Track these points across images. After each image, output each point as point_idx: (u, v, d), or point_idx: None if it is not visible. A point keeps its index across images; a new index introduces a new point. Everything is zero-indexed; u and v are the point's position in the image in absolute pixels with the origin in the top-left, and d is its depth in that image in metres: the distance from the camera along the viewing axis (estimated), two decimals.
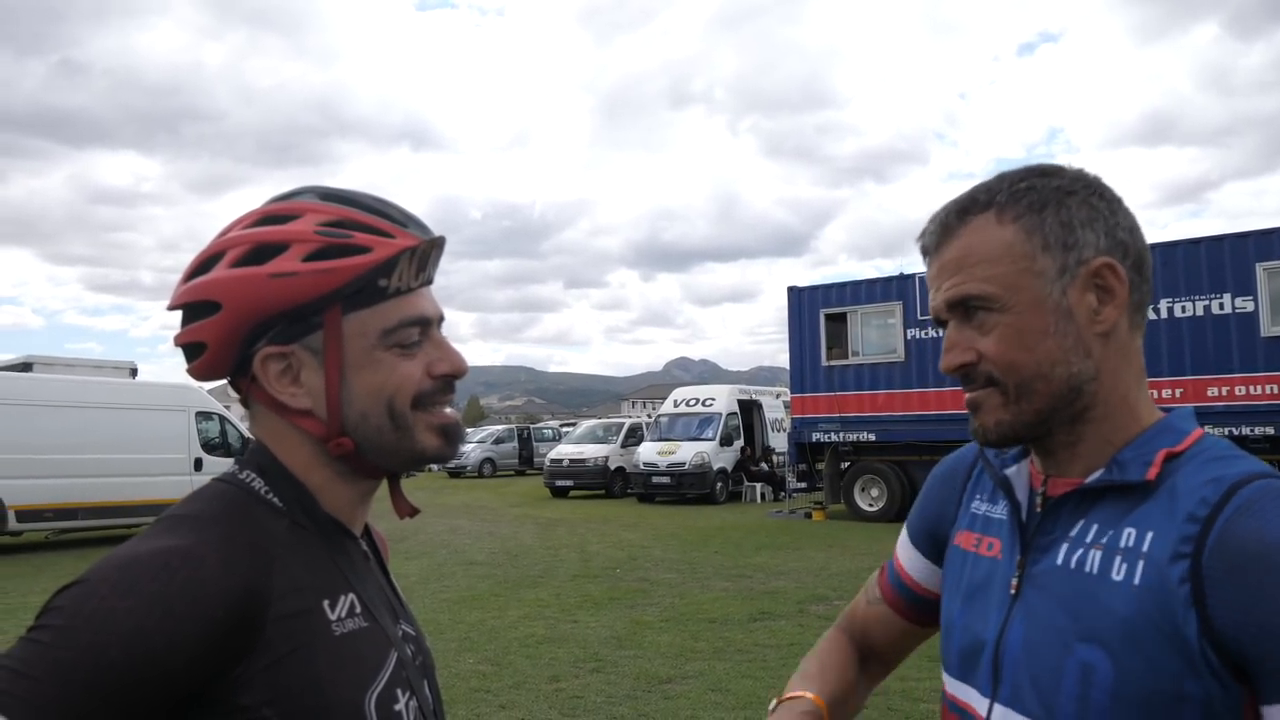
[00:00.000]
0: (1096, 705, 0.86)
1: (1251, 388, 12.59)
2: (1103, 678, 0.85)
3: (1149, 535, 0.87)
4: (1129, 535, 0.89)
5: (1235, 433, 12.10)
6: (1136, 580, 0.86)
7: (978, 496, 1.11)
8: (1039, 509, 0.99)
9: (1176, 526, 0.85)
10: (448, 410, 0.99)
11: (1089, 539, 0.92)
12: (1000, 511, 1.05)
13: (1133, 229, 0.96)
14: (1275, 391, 12.41)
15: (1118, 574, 0.87)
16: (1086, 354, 0.93)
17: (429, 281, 1.00)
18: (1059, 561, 0.94)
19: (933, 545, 1.18)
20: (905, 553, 1.23)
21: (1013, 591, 0.97)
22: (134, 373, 16.79)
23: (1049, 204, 0.94)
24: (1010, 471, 1.04)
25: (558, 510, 19.85)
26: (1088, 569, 0.90)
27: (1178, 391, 12.74)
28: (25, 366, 15.65)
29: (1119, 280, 0.93)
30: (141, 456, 14.21)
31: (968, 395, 0.99)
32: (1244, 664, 0.79)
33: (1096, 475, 0.94)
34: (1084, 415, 0.95)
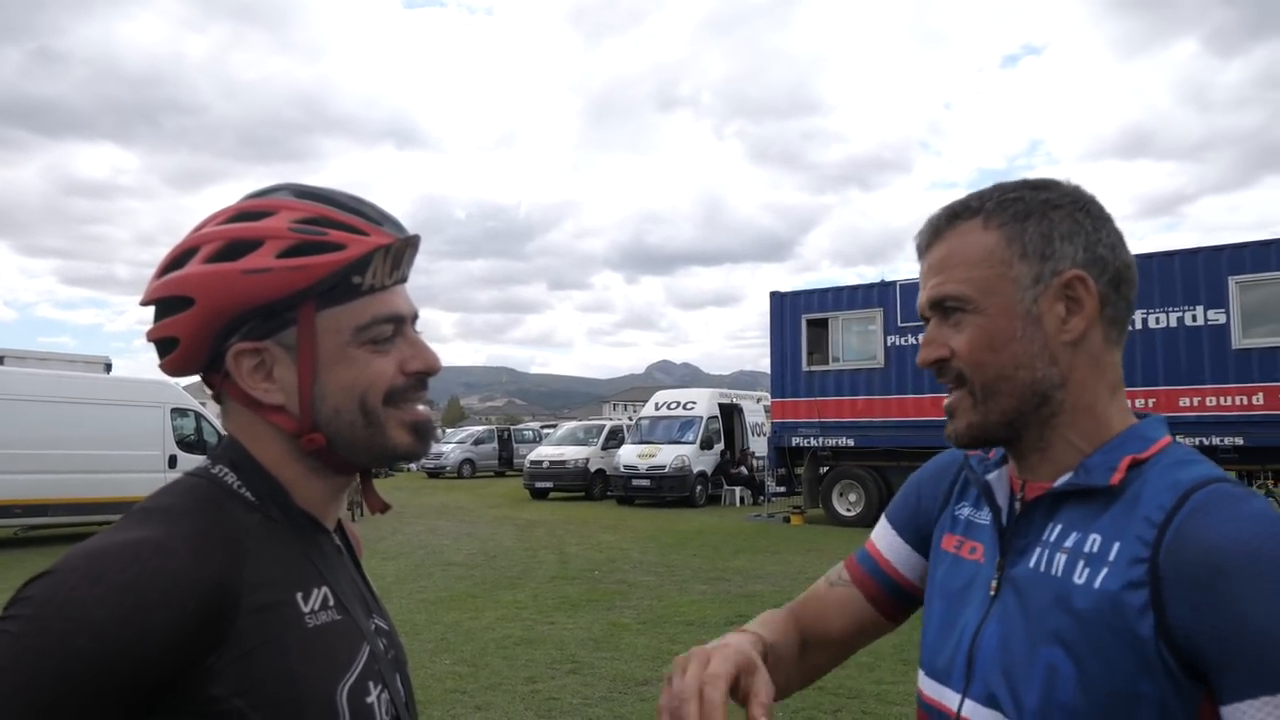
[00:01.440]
0: (1060, 704, 0.87)
1: (1222, 399, 12.73)
2: (1066, 678, 0.87)
3: (1113, 540, 0.89)
4: (1094, 541, 0.91)
5: (1205, 442, 12.24)
6: (1097, 584, 0.88)
7: (964, 501, 1.13)
8: (1018, 512, 1.01)
9: (1136, 531, 0.87)
10: (420, 408, 1.00)
11: (1056, 542, 0.94)
12: (984, 517, 1.06)
13: (1114, 246, 0.98)
14: (1244, 402, 12.55)
15: (1079, 577, 0.89)
16: (1052, 361, 0.96)
17: (403, 280, 1.00)
18: (1032, 564, 0.95)
19: (916, 535, 1.19)
20: (886, 539, 1.23)
21: (992, 593, 0.99)
22: (108, 368, 16.64)
23: (1033, 215, 0.97)
24: (991, 477, 1.06)
25: (537, 512, 19.80)
26: (1054, 572, 0.92)
27: (1150, 401, 12.86)
28: None
29: (1089, 293, 0.95)
30: (115, 453, 14.08)
31: (946, 401, 1.02)
32: (1200, 664, 0.81)
33: (1065, 479, 0.96)
34: (1051, 420, 0.97)
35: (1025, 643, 0.92)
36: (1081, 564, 0.90)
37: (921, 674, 1.08)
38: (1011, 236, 0.97)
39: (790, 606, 1.27)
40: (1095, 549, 0.90)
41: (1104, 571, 0.88)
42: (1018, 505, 1.01)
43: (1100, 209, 0.99)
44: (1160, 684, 0.83)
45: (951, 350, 0.99)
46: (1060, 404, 0.96)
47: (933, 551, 1.14)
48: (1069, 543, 0.93)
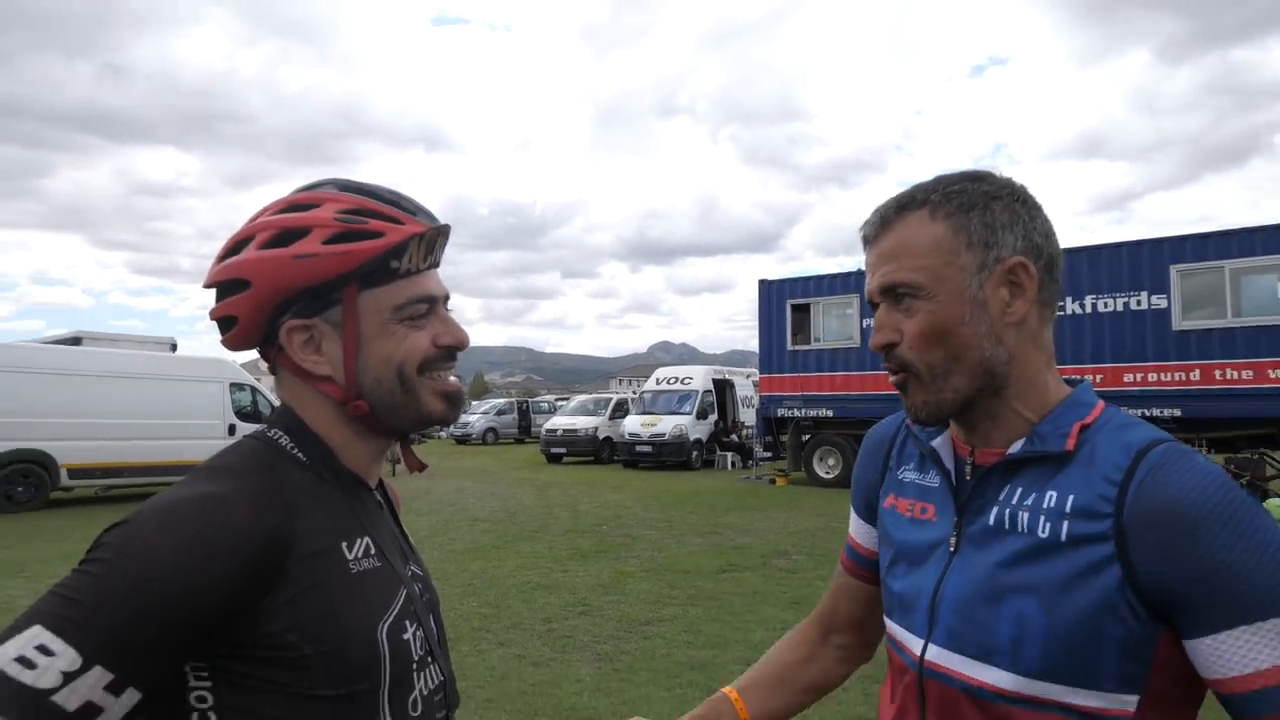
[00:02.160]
0: (1029, 645, 0.87)
1: (1162, 375, 12.69)
2: (1034, 622, 0.87)
3: (1070, 497, 0.89)
4: (1051, 497, 0.90)
5: (1147, 414, 12.21)
6: (1063, 537, 0.87)
7: (905, 466, 1.11)
8: (969, 477, 1.00)
9: (1095, 489, 0.87)
10: (451, 378, 1.00)
11: (1016, 501, 0.93)
12: (933, 480, 1.05)
13: (1048, 234, 0.97)
14: (1183, 379, 12.51)
15: (1044, 532, 0.89)
16: (998, 341, 0.95)
17: (436, 264, 1.00)
18: (991, 522, 0.95)
19: (869, 511, 1.19)
20: (854, 526, 1.24)
21: (951, 549, 0.98)
22: (174, 347, 16.66)
23: (976, 206, 0.95)
24: (936, 443, 1.05)
25: (552, 474, 19.84)
26: (1018, 529, 0.92)
27: (1099, 377, 12.83)
28: (75, 341, 15.51)
29: (1030, 278, 0.95)
30: (180, 422, 14.12)
31: (893, 379, 1.00)
32: (1167, 606, 0.82)
33: (1019, 446, 0.95)
34: (1001, 393, 0.97)
35: (990, 593, 0.92)
36: (1044, 520, 0.90)
37: (889, 620, 1.07)
38: (958, 227, 0.94)
39: (813, 617, 1.31)
40: (1056, 506, 0.89)
41: (1066, 526, 0.88)
42: (968, 470, 1.00)
43: (1033, 199, 0.98)
44: (1125, 626, 0.83)
45: (902, 334, 0.97)
46: (1007, 379, 0.96)
47: (881, 514, 1.14)
48: (1029, 502, 0.92)
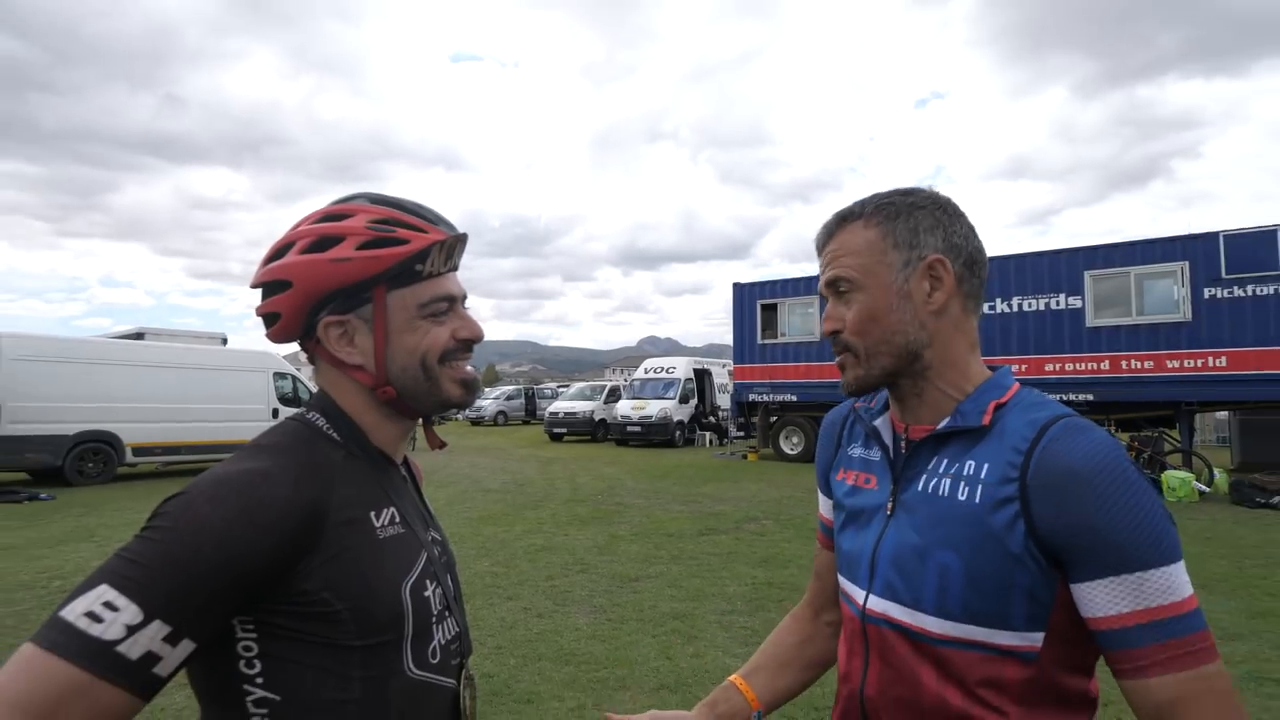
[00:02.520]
0: (952, 593, 0.89)
1: (1077, 364, 12.79)
2: (955, 573, 0.89)
3: (984, 466, 0.90)
4: (969, 466, 0.92)
5: (1064, 397, 12.32)
6: (977, 500, 0.89)
7: (854, 443, 1.12)
8: (904, 450, 1.01)
9: (1005, 458, 0.89)
10: (468, 367, 0.99)
11: (941, 470, 0.95)
12: (875, 454, 1.06)
13: (967, 236, 0.99)
14: (1094, 368, 12.62)
15: (962, 495, 0.91)
16: (921, 327, 0.96)
17: (455, 268, 0.99)
18: (920, 489, 0.96)
19: (829, 486, 1.18)
20: (821, 503, 1.23)
21: (888, 513, 0.99)
22: (224, 341, 16.55)
23: (901, 214, 0.97)
24: (878, 423, 1.06)
25: (555, 451, 19.84)
26: (941, 493, 0.93)
27: (1023, 366, 12.94)
28: (139, 335, 15.39)
29: (947, 272, 0.96)
30: (230, 406, 14.04)
31: (836, 360, 1.04)
32: (1058, 555, 0.84)
33: (945, 423, 0.96)
34: (924, 373, 0.98)
35: (919, 549, 0.93)
36: (963, 485, 0.91)
37: (840, 576, 1.08)
38: (885, 232, 0.97)
39: (806, 599, 1.27)
40: (973, 474, 0.91)
41: (980, 490, 0.89)
42: (903, 443, 1.01)
43: (955, 208, 0.99)
44: (1030, 574, 0.85)
45: (844, 323, 0.99)
46: (930, 360, 0.97)
47: (832, 485, 1.14)
48: (952, 470, 0.93)
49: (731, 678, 1.18)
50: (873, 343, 0.97)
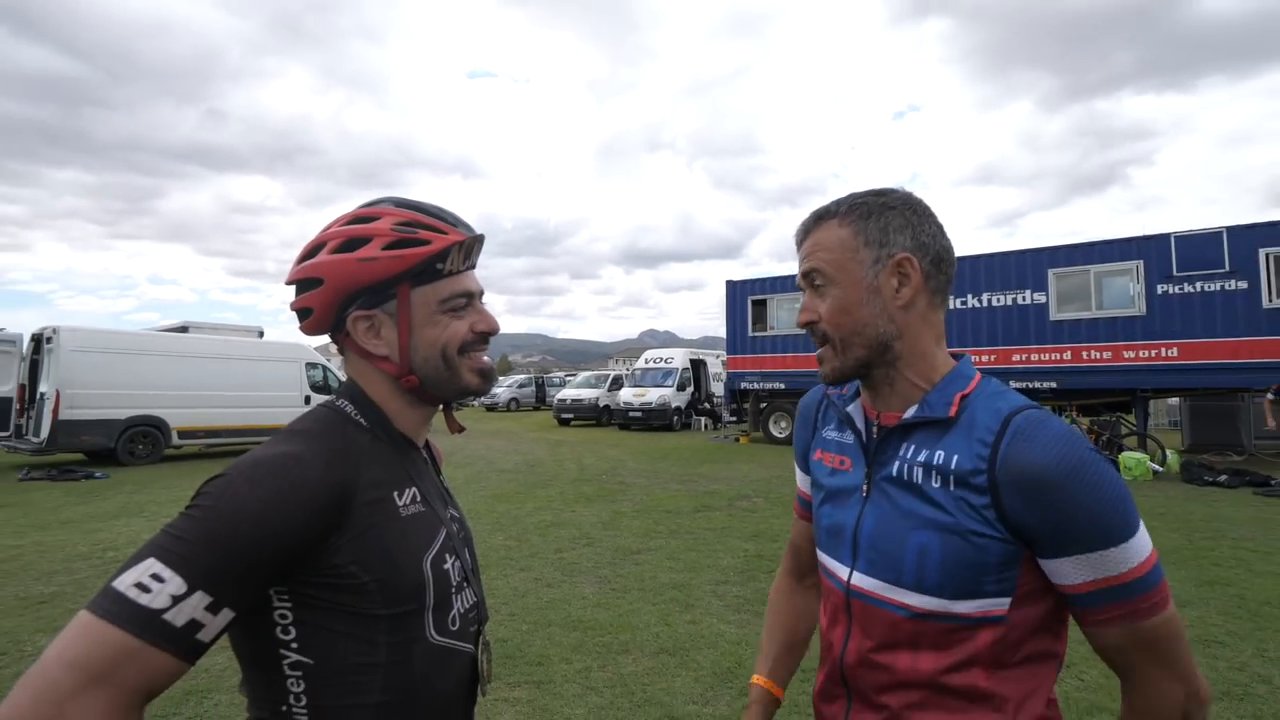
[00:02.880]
0: (929, 571, 0.89)
1: (1042, 355, 12.76)
2: (933, 554, 0.89)
3: (954, 457, 0.90)
4: (939, 456, 0.91)
5: (1031, 385, 12.32)
6: (951, 487, 0.89)
7: (828, 426, 1.11)
8: (875, 435, 1.00)
9: (973, 449, 0.89)
10: (485, 358, 0.99)
11: (911, 457, 0.94)
12: (848, 438, 1.05)
13: (935, 235, 0.97)
14: (1057, 358, 12.58)
15: (936, 483, 0.90)
16: (890, 320, 0.96)
17: (473, 266, 0.99)
18: (893, 474, 0.95)
19: (807, 463, 1.18)
20: (799, 478, 1.22)
21: (864, 494, 0.98)
22: (261, 334, 16.55)
23: (873, 214, 0.96)
24: (850, 409, 1.05)
25: (563, 435, 19.86)
26: (914, 480, 0.93)
27: (992, 357, 12.92)
28: (183, 329, 15.42)
29: (915, 269, 0.95)
30: (266, 394, 14.03)
31: (817, 353, 1.03)
32: (1025, 536, 0.85)
33: (912, 411, 0.96)
34: (894, 363, 0.97)
35: (898, 529, 0.92)
36: (935, 474, 0.91)
37: (820, 552, 1.07)
38: (858, 230, 0.96)
39: (785, 567, 1.28)
40: (943, 464, 0.90)
41: (953, 479, 0.89)
42: (875, 429, 1.00)
43: (925, 208, 0.98)
44: (1001, 549, 0.86)
45: (819, 315, 0.98)
46: (899, 351, 0.96)
47: (811, 465, 1.14)
48: (921, 459, 0.93)
49: (754, 680, 1.19)
50: (846, 334, 0.96)
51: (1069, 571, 0.85)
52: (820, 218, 1.00)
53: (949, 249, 0.98)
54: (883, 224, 0.95)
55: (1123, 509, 0.83)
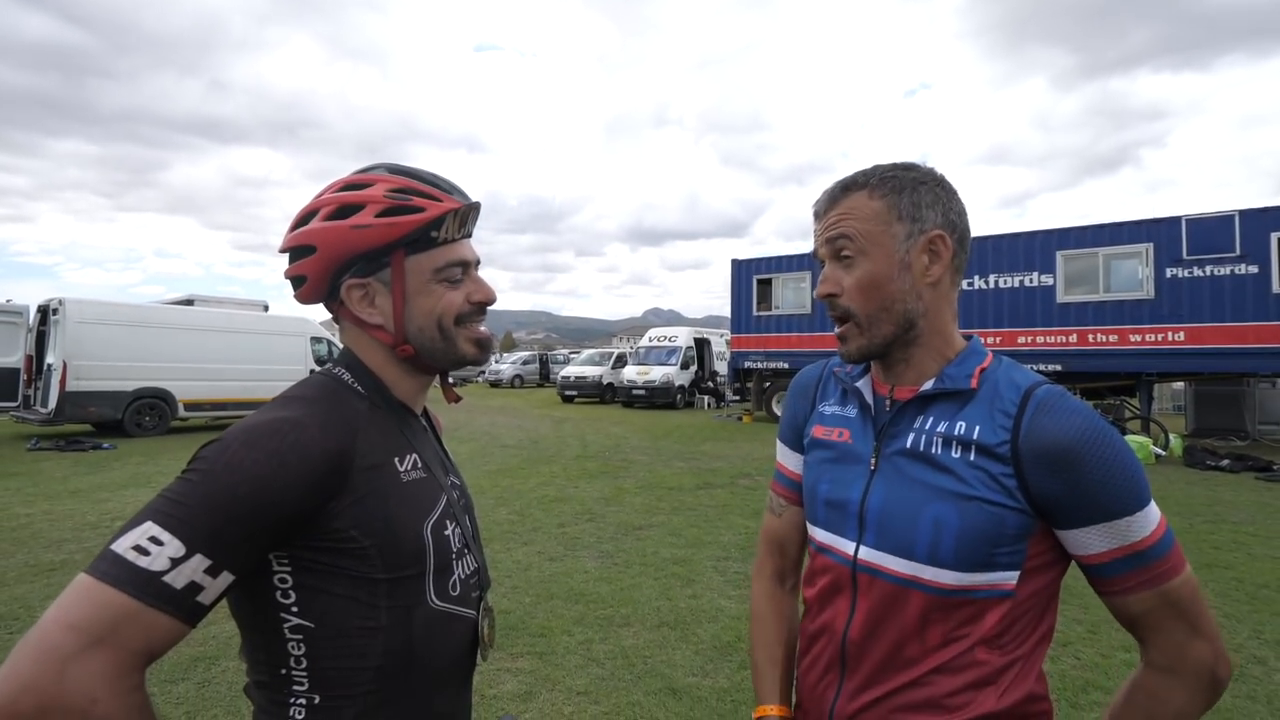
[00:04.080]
0: (944, 543, 0.88)
1: (1048, 337, 12.72)
2: (949, 526, 0.88)
3: (976, 427, 0.90)
4: (960, 426, 0.91)
5: (1035, 368, 12.24)
6: (972, 458, 0.89)
7: (826, 401, 1.09)
8: (888, 409, 0.98)
9: (995, 420, 0.89)
10: (481, 328, 0.98)
11: (929, 429, 0.93)
12: (850, 411, 1.03)
13: (961, 213, 0.96)
14: (1063, 341, 12.54)
15: (956, 454, 0.90)
16: (918, 297, 0.95)
17: (469, 235, 0.97)
18: (906, 446, 0.94)
19: (799, 441, 1.13)
20: (787, 457, 1.16)
21: (872, 467, 0.97)
22: (266, 308, 16.56)
23: (906, 188, 0.94)
24: (860, 384, 1.03)
25: (566, 412, 19.91)
26: (931, 451, 0.91)
27: (998, 339, 12.86)
28: (188, 302, 15.45)
29: (946, 247, 0.94)
30: (271, 367, 14.06)
31: (838, 330, 1.00)
32: (1046, 508, 0.87)
33: (930, 384, 0.95)
34: (916, 340, 0.96)
35: (911, 502, 0.91)
36: (956, 445, 0.90)
37: (813, 526, 1.04)
38: (891, 204, 0.94)
39: (763, 572, 1.17)
40: (964, 434, 0.90)
41: (974, 450, 0.89)
42: (887, 403, 0.99)
43: (951, 186, 0.96)
44: (1017, 523, 0.87)
45: (842, 288, 0.96)
46: (922, 329, 0.96)
47: (806, 440, 1.09)
48: (940, 429, 0.92)
49: (768, 710, 1.05)
50: (875, 309, 0.94)
51: (1091, 541, 0.86)
52: (848, 188, 0.97)
53: (969, 229, 0.98)
54: (916, 199, 0.94)
55: (1138, 477, 0.86)
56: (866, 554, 0.95)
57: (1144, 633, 0.90)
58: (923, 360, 0.97)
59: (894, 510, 0.93)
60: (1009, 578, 0.88)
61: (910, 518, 0.91)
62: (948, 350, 0.97)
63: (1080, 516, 0.85)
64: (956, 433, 0.90)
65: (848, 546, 0.97)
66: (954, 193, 0.96)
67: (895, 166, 0.97)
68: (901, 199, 0.94)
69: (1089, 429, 0.85)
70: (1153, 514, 0.86)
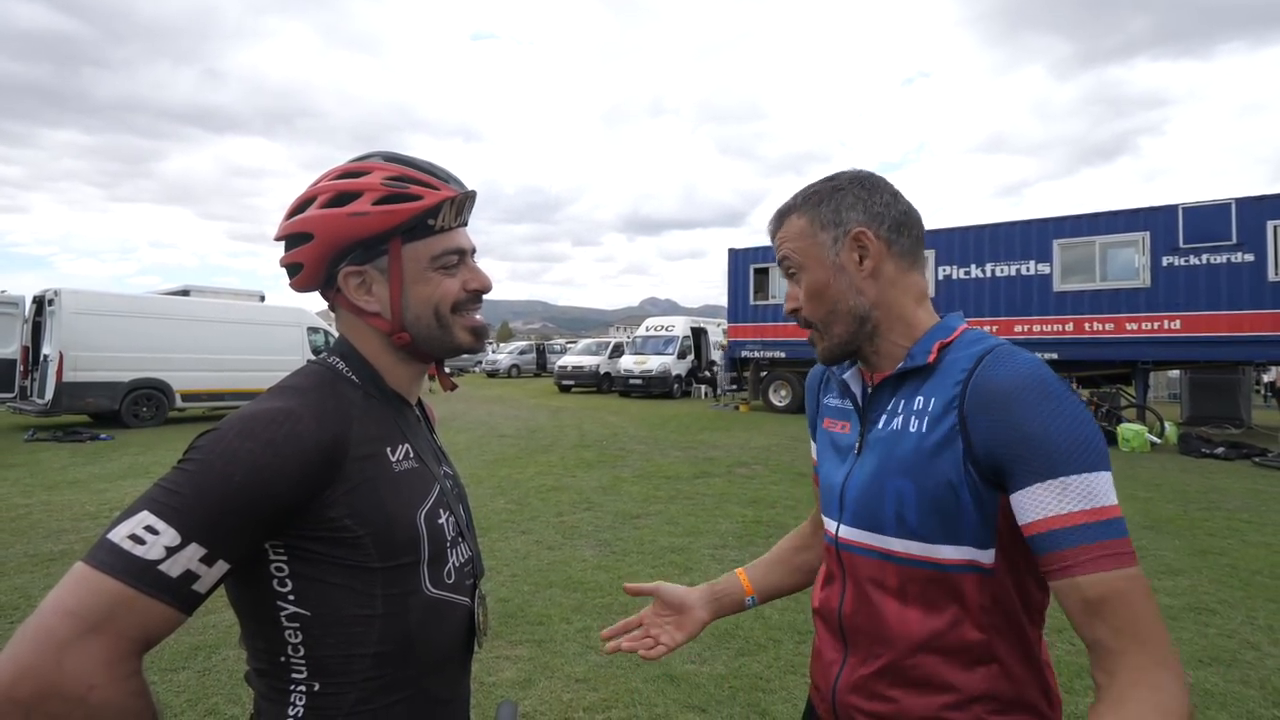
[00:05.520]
0: (907, 514, 0.92)
1: (1044, 326, 12.74)
2: (908, 497, 0.91)
3: (931, 399, 0.93)
4: (919, 401, 0.94)
5: None
6: (925, 430, 0.92)
7: (829, 395, 1.15)
8: (869, 395, 1.04)
9: (948, 389, 0.91)
10: (477, 316, 0.98)
11: (899, 409, 0.97)
12: (847, 404, 1.08)
13: (888, 204, 0.99)
14: (1059, 329, 12.57)
15: (913, 428, 0.93)
16: (860, 292, 0.99)
17: (465, 223, 0.97)
18: (881, 427, 0.99)
19: (816, 433, 1.21)
20: (813, 448, 1.23)
21: (856, 452, 1.02)
22: (262, 298, 16.51)
23: (825, 199, 1.00)
24: (847, 376, 1.07)
25: (563, 401, 19.93)
26: (896, 428, 0.96)
27: (995, 327, 12.86)
28: (184, 293, 15.38)
29: (871, 240, 0.98)
30: (268, 358, 14.02)
31: (809, 336, 1.07)
32: (994, 472, 0.85)
33: (899, 367, 0.99)
34: (876, 331, 1.00)
35: (878, 479, 0.95)
36: (914, 419, 0.94)
37: (822, 515, 1.10)
38: (813, 217, 1.00)
39: (809, 518, 1.31)
40: (922, 407, 0.93)
41: (927, 419, 0.92)
42: (869, 390, 1.03)
43: (874, 181, 1.01)
44: (973, 492, 0.87)
45: (799, 301, 1.03)
46: (878, 319, 0.99)
47: (818, 433, 1.17)
48: (903, 406, 0.96)
49: (736, 570, 1.26)
50: (825, 314, 1.00)
51: (1032, 504, 0.80)
52: (783, 214, 1.04)
53: (908, 211, 1.01)
54: (834, 205, 0.99)
55: (1084, 434, 0.80)
56: (845, 532, 1.01)
57: (1096, 655, 0.79)
58: (891, 347, 1.00)
59: (865, 488, 0.97)
60: (983, 555, 0.88)
61: (877, 494, 0.95)
62: (914, 332, 0.99)
63: (1020, 471, 0.81)
64: (918, 407, 0.94)
65: (833, 526, 1.04)
66: (877, 187, 1.00)
67: (819, 182, 1.03)
68: (821, 210, 1.00)
69: (1031, 375, 0.83)
70: (1104, 487, 0.79)
